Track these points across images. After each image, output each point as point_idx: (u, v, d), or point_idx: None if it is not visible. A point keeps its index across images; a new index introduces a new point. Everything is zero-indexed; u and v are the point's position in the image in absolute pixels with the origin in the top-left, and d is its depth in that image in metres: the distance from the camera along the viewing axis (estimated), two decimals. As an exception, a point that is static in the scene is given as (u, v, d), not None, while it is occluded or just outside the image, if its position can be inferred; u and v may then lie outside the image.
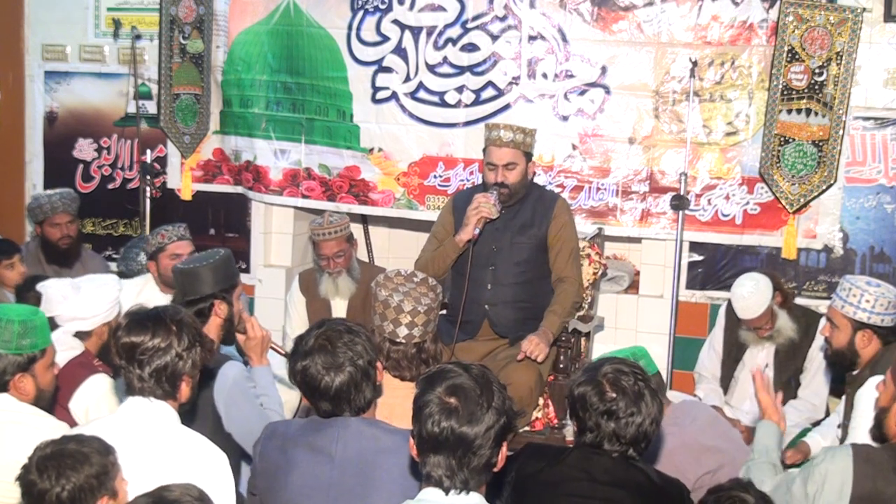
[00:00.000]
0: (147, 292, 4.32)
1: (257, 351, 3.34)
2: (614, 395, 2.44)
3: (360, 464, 2.45)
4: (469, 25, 5.09)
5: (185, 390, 2.61)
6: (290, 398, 4.09)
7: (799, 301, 4.75)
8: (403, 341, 3.02)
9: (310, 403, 2.57)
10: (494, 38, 5.07)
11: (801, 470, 2.72)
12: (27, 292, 3.79)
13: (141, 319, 2.58)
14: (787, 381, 4.36)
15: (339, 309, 4.61)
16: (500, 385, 2.15)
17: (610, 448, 2.47)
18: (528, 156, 4.17)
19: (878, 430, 2.70)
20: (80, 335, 3.40)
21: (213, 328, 3.25)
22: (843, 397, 3.70)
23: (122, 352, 2.56)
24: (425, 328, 3.07)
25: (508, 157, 4.08)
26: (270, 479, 2.54)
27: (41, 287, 3.45)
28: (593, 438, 2.47)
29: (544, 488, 2.49)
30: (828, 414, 4.29)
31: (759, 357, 4.46)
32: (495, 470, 2.14)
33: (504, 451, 2.13)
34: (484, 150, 4.21)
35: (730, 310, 4.56)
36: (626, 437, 2.45)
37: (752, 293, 4.22)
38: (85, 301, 3.39)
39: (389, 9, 5.20)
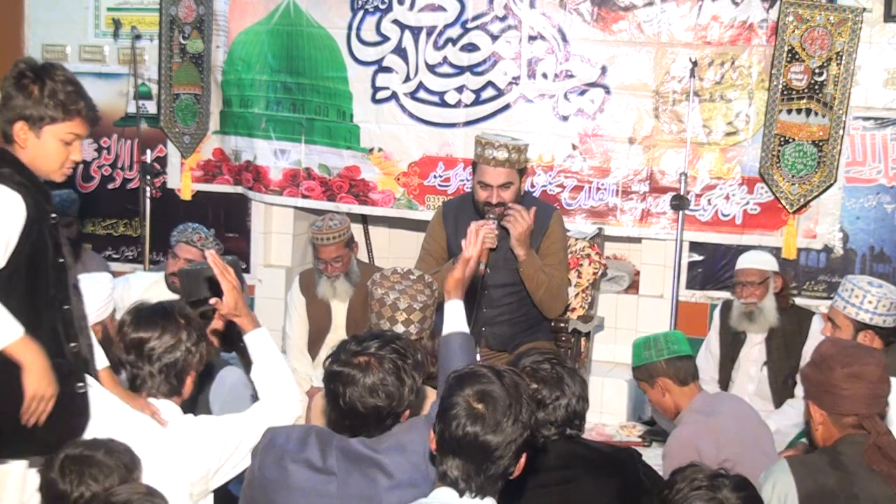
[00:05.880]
0: (158, 289, 4.35)
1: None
2: (536, 385, 2.56)
3: (362, 486, 2.35)
4: (469, 25, 5.09)
5: (189, 386, 2.62)
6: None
7: (799, 301, 4.76)
8: None
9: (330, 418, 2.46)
10: (494, 38, 5.07)
11: None
12: None
13: (149, 315, 2.57)
14: (784, 380, 4.36)
15: (339, 311, 4.60)
16: (531, 397, 2.13)
17: (548, 434, 2.57)
18: (522, 172, 4.02)
19: (809, 443, 2.88)
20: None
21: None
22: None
23: (130, 347, 2.55)
24: (421, 325, 3.13)
25: (503, 177, 3.91)
26: (268, 493, 2.42)
27: None
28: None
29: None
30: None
31: (754, 355, 4.46)
32: (511, 478, 2.12)
33: (522, 462, 2.11)
34: (474, 165, 4.08)
35: (724, 310, 4.58)
36: (559, 420, 2.58)
37: (756, 252, 4.54)
38: None
39: (389, 9, 5.20)
